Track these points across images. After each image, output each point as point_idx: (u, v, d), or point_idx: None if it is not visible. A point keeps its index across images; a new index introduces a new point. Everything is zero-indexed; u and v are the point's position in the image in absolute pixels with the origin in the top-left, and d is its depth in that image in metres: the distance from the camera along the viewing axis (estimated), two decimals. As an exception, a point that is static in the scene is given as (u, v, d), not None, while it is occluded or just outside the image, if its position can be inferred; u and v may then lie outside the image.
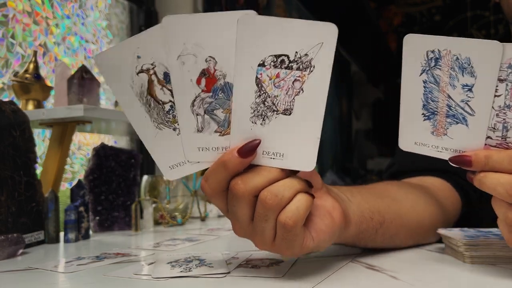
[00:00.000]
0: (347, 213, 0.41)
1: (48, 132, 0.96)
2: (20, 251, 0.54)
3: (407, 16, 3.98)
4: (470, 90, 0.35)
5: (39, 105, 0.78)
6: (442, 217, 0.57)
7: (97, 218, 0.74)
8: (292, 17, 2.24)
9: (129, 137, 1.23)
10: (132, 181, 0.77)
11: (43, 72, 0.95)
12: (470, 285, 0.36)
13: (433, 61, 0.35)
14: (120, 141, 1.21)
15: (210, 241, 0.62)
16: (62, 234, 0.65)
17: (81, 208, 0.66)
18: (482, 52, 0.34)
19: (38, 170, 0.69)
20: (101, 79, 1.17)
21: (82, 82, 0.73)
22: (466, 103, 0.35)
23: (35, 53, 0.80)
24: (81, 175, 1.05)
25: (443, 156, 0.37)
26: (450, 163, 0.36)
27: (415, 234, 0.52)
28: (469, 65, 0.35)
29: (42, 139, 0.96)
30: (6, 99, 0.63)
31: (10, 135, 0.59)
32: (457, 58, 0.35)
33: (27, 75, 0.77)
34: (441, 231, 0.48)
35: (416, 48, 0.36)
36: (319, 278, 0.38)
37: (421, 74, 0.36)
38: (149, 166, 1.30)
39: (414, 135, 0.38)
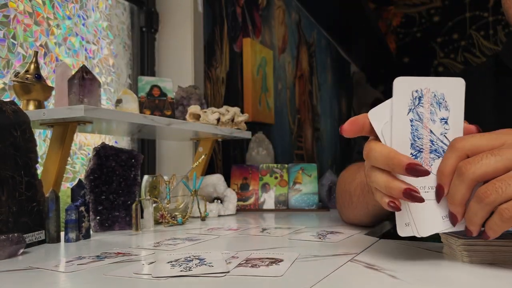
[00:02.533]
0: None
1: (48, 132, 0.96)
2: (21, 250, 0.54)
3: (406, 17, 3.98)
4: (446, 122, 0.39)
5: (40, 105, 0.79)
6: None
7: (98, 217, 0.74)
8: (291, 17, 2.24)
9: (129, 137, 1.23)
10: (133, 181, 0.78)
11: (44, 72, 0.96)
12: (469, 285, 0.36)
13: (417, 99, 0.39)
14: (121, 141, 1.21)
15: (210, 240, 0.62)
16: (62, 233, 0.65)
17: (82, 208, 0.66)
18: (451, 88, 0.39)
19: (39, 170, 0.69)
20: (101, 79, 1.17)
21: (83, 83, 0.73)
22: (444, 135, 0.39)
23: (36, 53, 0.80)
24: (81, 175, 1.05)
25: (429, 197, 0.39)
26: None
27: None
28: (443, 100, 0.39)
29: (42, 139, 0.96)
30: (7, 99, 0.63)
31: (11, 135, 0.59)
32: (435, 95, 0.39)
33: (28, 76, 0.77)
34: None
35: (404, 89, 0.39)
36: (319, 277, 0.38)
37: (408, 113, 0.39)
38: (150, 166, 1.31)
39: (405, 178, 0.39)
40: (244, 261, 0.45)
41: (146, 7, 1.33)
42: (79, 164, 1.08)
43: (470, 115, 0.74)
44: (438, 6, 3.84)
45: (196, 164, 0.96)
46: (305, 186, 1.15)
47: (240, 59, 1.67)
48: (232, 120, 1.12)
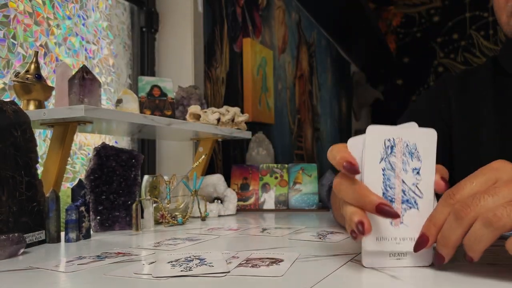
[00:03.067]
0: None
1: (49, 132, 0.96)
2: (21, 250, 0.54)
3: (406, 17, 3.98)
4: (418, 173, 0.39)
5: (40, 105, 0.79)
6: None
7: (98, 217, 0.74)
8: (291, 17, 2.24)
9: (130, 137, 1.23)
10: (133, 181, 0.78)
11: (44, 72, 0.96)
12: (469, 285, 0.36)
13: (389, 148, 0.39)
14: (121, 141, 1.22)
15: (211, 240, 0.62)
16: (63, 233, 0.65)
17: (82, 208, 0.66)
18: (423, 139, 0.39)
19: (39, 170, 0.69)
20: (101, 79, 1.17)
21: (83, 83, 0.73)
22: (416, 185, 0.39)
23: (36, 53, 0.80)
24: (82, 175, 1.05)
25: (402, 248, 0.39)
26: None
27: None
28: (416, 150, 0.39)
29: (43, 139, 0.96)
30: (7, 99, 0.63)
31: (11, 135, 0.59)
32: (407, 145, 0.39)
33: (28, 76, 0.77)
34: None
35: (376, 137, 0.39)
36: (319, 278, 0.38)
37: (380, 162, 0.39)
38: (150, 166, 1.31)
39: (376, 230, 0.39)
40: (245, 261, 0.45)
41: (146, 7, 1.33)
42: (79, 164, 1.08)
43: (470, 115, 0.74)
44: (438, 6, 3.85)
45: (196, 164, 0.96)
46: (305, 186, 1.15)
47: (240, 59, 1.67)
48: (232, 120, 1.12)
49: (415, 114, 0.80)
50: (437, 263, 0.39)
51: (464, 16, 3.72)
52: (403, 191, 0.39)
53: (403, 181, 0.39)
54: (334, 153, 0.39)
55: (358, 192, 0.38)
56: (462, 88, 0.76)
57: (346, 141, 0.41)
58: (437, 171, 0.40)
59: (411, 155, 0.39)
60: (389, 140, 0.39)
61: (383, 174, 0.39)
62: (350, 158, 0.38)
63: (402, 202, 0.39)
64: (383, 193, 0.39)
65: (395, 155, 0.39)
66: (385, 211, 0.36)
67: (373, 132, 0.39)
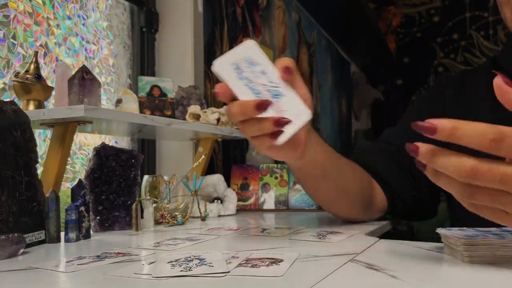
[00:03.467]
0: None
1: (48, 132, 0.96)
2: (21, 250, 0.54)
3: (406, 17, 3.98)
4: (263, 73, 0.50)
5: (40, 105, 0.79)
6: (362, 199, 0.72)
7: (98, 217, 0.74)
8: (291, 17, 2.24)
9: (129, 137, 1.23)
10: (133, 181, 0.78)
11: (44, 72, 0.96)
12: (469, 285, 0.36)
13: (237, 69, 0.49)
14: (121, 141, 1.22)
15: (210, 240, 0.62)
16: (63, 233, 0.65)
17: (82, 208, 0.66)
18: (249, 49, 0.50)
19: (39, 170, 0.69)
20: (101, 79, 1.17)
21: (83, 83, 0.73)
22: (269, 81, 0.50)
23: (36, 53, 0.80)
24: (82, 175, 1.05)
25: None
26: (407, 145, 0.36)
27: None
28: (251, 59, 0.50)
29: (43, 139, 0.96)
30: (7, 99, 0.63)
31: (11, 135, 0.59)
32: (245, 60, 0.50)
33: (28, 76, 0.77)
34: (441, 230, 0.48)
35: (225, 67, 0.49)
36: (318, 277, 0.38)
37: (239, 80, 0.49)
38: (150, 166, 1.31)
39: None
40: (244, 261, 0.45)
41: (146, 7, 1.33)
42: (79, 164, 1.08)
43: (466, 115, 0.74)
44: (438, 6, 3.85)
45: (196, 164, 0.96)
46: (305, 186, 1.15)
47: (240, 59, 1.66)
48: (232, 120, 1.12)
49: (413, 114, 0.80)
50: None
51: (464, 16, 3.72)
52: (268, 90, 0.49)
53: (263, 84, 0.49)
54: (235, 109, 0.48)
55: (242, 107, 0.47)
56: (459, 88, 0.76)
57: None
58: (277, 62, 0.50)
59: (252, 65, 0.50)
60: (232, 64, 0.49)
61: (248, 87, 0.49)
62: (255, 101, 0.47)
63: (273, 98, 0.49)
64: (258, 98, 0.48)
65: (243, 71, 0.49)
66: (263, 104, 0.46)
67: (220, 64, 0.49)
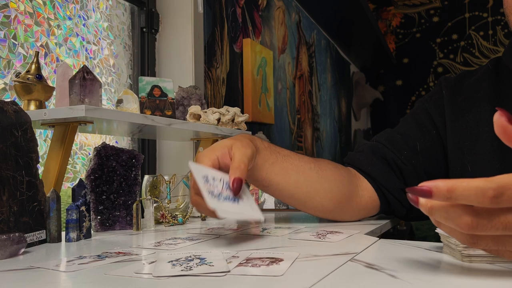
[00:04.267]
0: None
1: (49, 132, 0.96)
2: (22, 250, 0.54)
3: (406, 17, 3.98)
4: (222, 180, 0.59)
5: (41, 105, 0.79)
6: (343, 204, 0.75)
7: (99, 217, 0.74)
8: (291, 18, 2.24)
9: (130, 137, 1.24)
10: (133, 180, 0.78)
11: (44, 72, 0.96)
12: (468, 284, 0.36)
13: (205, 178, 0.56)
14: (121, 141, 1.22)
15: (211, 240, 0.63)
16: (63, 233, 0.65)
17: (83, 208, 0.66)
18: (196, 172, 0.57)
19: (40, 170, 0.69)
20: (102, 79, 1.17)
21: (84, 83, 0.73)
22: (226, 189, 0.58)
23: (37, 53, 0.80)
24: (82, 175, 1.06)
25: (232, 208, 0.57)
26: (408, 194, 0.34)
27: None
28: (212, 176, 0.58)
29: (43, 139, 0.96)
30: (8, 100, 0.63)
31: (12, 135, 0.60)
32: (207, 176, 0.57)
33: (29, 76, 0.78)
34: (440, 230, 0.49)
35: (196, 172, 0.56)
36: (318, 277, 0.39)
37: (205, 183, 0.56)
38: (150, 166, 1.31)
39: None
40: (245, 261, 0.45)
41: (147, 7, 1.33)
42: (80, 164, 1.08)
43: (465, 116, 0.75)
44: (438, 6, 3.85)
45: (196, 164, 0.96)
46: (305, 186, 1.15)
47: (240, 59, 1.67)
48: (233, 120, 1.13)
49: (412, 117, 0.82)
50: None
51: (464, 17, 3.72)
52: (225, 197, 0.57)
53: (220, 190, 0.57)
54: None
55: (200, 207, 0.59)
56: (456, 90, 0.77)
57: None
58: (232, 173, 0.58)
59: (214, 180, 0.57)
60: (202, 175, 0.56)
61: (210, 193, 0.54)
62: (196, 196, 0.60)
63: (231, 201, 0.57)
64: (218, 197, 0.56)
65: (208, 180, 0.56)
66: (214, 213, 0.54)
67: (194, 169, 0.57)
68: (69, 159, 0.78)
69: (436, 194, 0.32)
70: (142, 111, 1.04)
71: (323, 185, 0.72)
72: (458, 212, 0.33)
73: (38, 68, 0.79)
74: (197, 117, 1.09)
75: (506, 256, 0.35)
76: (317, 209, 0.74)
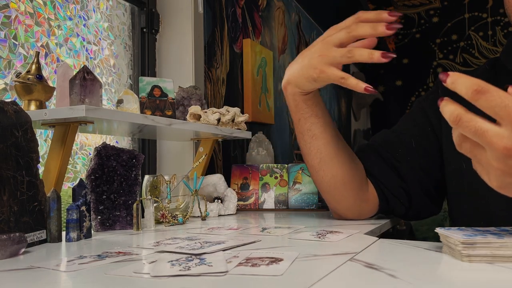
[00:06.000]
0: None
1: (50, 132, 0.96)
2: (22, 250, 0.54)
3: (406, 17, 3.98)
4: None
5: (41, 105, 0.79)
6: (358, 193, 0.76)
7: (99, 217, 0.75)
8: (291, 18, 2.24)
9: (130, 137, 1.24)
10: (134, 180, 0.78)
11: (45, 73, 0.96)
12: (468, 284, 0.36)
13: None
14: (122, 141, 1.22)
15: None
16: (64, 233, 0.65)
17: (83, 208, 0.66)
18: None
19: (40, 170, 0.69)
20: (102, 79, 1.17)
21: (84, 83, 0.73)
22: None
23: (37, 54, 0.80)
24: (83, 175, 1.06)
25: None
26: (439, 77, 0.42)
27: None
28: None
29: (44, 139, 0.96)
30: (9, 100, 0.63)
31: (12, 135, 0.60)
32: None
33: (30, 76, 0.78)
34: (440, 230, 0.49)
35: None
36: (318, 277, 0.39)
37: None
38: (150, 166, 1.31)
39: None
40: (244, 261, 0.45)
41: (147, 8, 1.34)
42: (80, 164, 1.08)
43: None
44: (437, 7, 3.85)
45: (196, 164, 0.97)
46: (305, 186, 1.15)
47: (240, 59, 1.67)
48: (233, 120, 1.13)
49: (409, 116, 0.83)
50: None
51: (463, 17, 3.72)
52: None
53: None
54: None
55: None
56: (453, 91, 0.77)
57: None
58: None
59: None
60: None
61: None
62: None
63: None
64: None
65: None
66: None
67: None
68: (70, 159, 0.78)
69: (450, 76, 0.41)
70: (142, 111, 1.04)
71: (354, 160, 0.76)
72: (455, 105, 0.41)
73: (39, 68, 0.80)
74: (197, 117, 1.10)
75: (478, 170, 0.41)
76: (334, 174, 0.75)
